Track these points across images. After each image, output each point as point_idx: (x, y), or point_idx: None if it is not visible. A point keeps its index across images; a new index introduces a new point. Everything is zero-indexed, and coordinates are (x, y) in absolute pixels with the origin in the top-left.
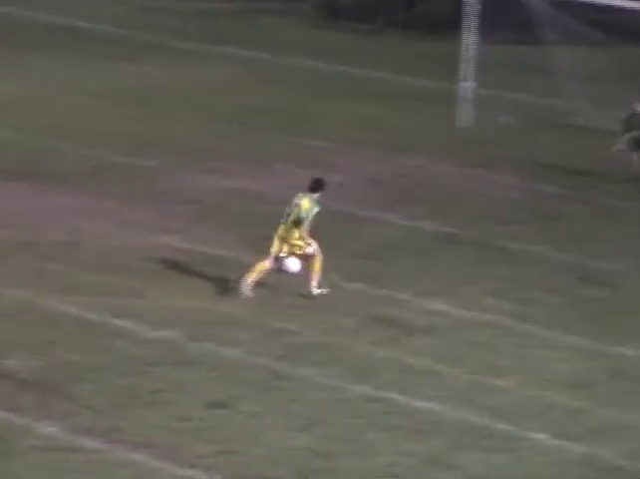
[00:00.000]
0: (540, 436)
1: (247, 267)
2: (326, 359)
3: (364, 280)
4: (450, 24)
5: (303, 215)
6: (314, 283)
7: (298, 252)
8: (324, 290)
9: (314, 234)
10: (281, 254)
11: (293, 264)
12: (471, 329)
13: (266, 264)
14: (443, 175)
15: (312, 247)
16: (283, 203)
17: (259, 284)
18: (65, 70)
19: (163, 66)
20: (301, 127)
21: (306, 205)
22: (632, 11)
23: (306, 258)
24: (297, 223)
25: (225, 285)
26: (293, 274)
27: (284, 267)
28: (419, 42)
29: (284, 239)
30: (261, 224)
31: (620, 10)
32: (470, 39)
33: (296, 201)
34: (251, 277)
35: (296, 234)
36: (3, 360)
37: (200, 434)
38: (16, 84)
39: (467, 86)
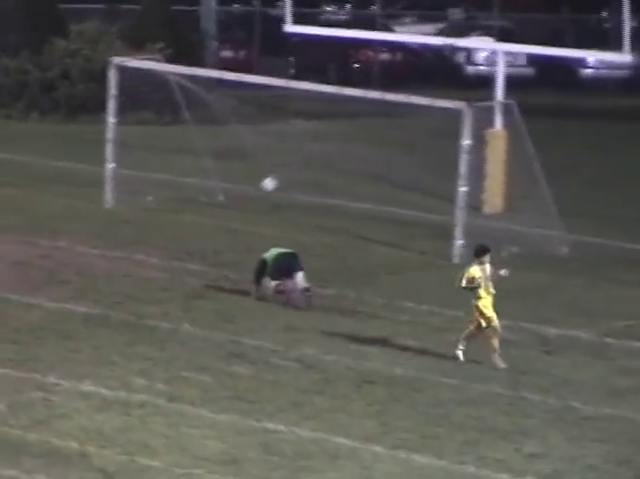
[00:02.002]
0: None
1: None
2: None
3: (10, 365)
4: (89, 106)
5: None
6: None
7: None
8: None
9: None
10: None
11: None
12: (120, 410)
13: (481, 331)
14: (88, 256)
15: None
16: None
17: None
18: None
19: None
20: None
21: (474, 273)
22: (282, 88)
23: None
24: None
25: None
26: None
27: None
28: (59, 125)
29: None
30: None
31: (270, 87)
32: (111, 121)
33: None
34: (462, 342)
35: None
36: None
37: None
38: None
39: (110, 167)
